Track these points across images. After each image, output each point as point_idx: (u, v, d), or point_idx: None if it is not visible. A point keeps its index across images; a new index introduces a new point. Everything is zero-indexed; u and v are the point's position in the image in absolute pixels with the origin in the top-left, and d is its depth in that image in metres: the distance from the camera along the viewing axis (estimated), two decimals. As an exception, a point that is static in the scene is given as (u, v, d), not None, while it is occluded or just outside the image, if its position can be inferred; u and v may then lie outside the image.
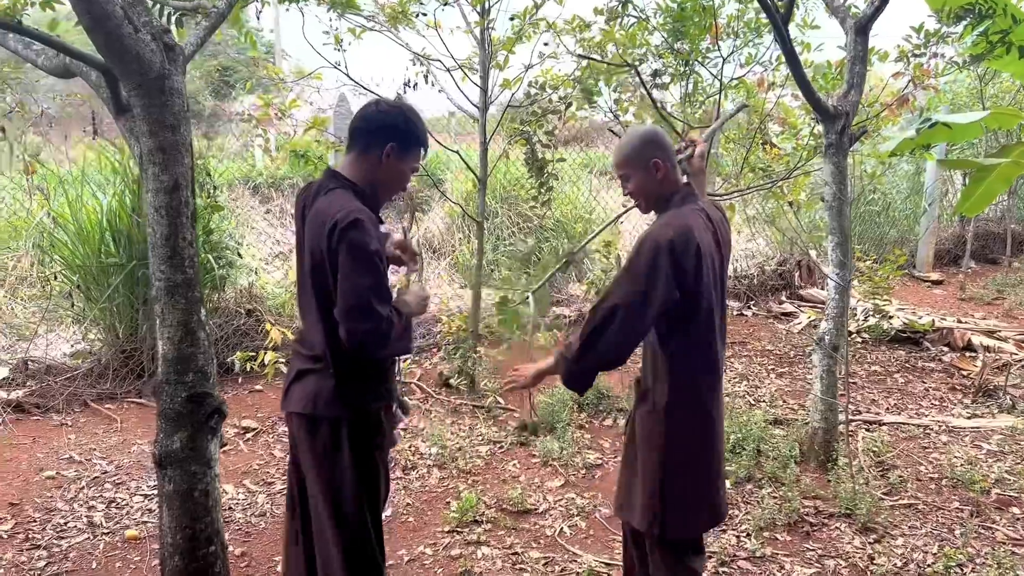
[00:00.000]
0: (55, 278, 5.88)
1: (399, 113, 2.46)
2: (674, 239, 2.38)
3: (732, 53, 5.79)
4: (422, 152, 2.54)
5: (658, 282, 2.37)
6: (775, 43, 5.44)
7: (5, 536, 3.68)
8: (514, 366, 2.84)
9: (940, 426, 5.09)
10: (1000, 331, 6.93)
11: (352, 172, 2.44)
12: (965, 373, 6.10)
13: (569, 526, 3.84)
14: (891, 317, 6.99)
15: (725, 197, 6.56)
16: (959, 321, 7.23)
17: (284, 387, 2.52)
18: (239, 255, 6.21)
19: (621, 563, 3.44)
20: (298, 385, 2.45)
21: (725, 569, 3.42)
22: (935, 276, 9.55)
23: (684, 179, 2.65)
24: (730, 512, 3.94)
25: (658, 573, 2.59)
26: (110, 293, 5.40)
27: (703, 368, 2.56)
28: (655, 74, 6.02)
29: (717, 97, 5.95)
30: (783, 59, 4.90)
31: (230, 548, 3.24)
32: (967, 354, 6.54)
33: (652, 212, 2.63)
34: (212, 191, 5.63)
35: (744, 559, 3.51)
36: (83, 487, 4.19)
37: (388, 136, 2.42)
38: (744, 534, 3.73)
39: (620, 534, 3.73)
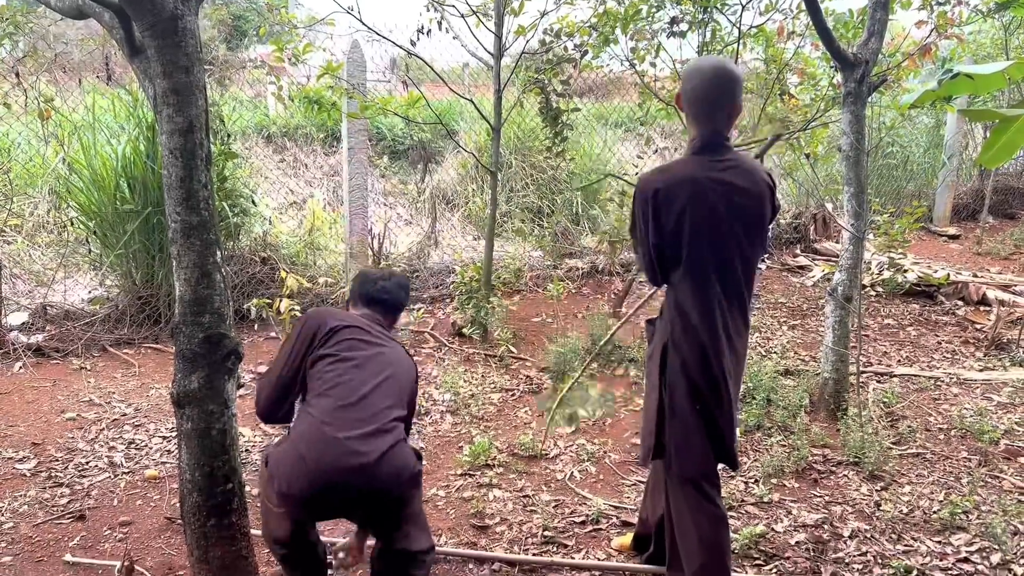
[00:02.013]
0: (71, 224, 5.92)
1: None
2: (659, 188, 2.47)
3: (751, 0, 5.69)
4: None
5: (646, 224, 2.52)
6: (795, -11, 5.35)
7: (28, 474, 3.78)
8: None
9: (951, 378, 5.10)
10: (1016, 285, 6.89)
11: None
12: (979, 327, 6.08)
13: (579, 471, 3.90)
14: (906, 271, 6.96)
15: (741, 149, 6.50)
16: (975, 275, 7.18)
17: (379, 461, 2.54)
18: (253, 203, 6.23)
19: (631, 506, 3.51)
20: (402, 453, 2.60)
21: (733, 514, 3.47)
22: (952, 230, 9.47)
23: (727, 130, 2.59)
24: (739, 459, 3.98)
25: (675, 503, 2.66)
26: (126, 240, 5.44)
27: (695, 320, 2.55)
28: (673, 21, 5.93)
29: (735, 46, 5.87)
30: (803, 6, 4.81)
31: (247, 488, 3.30)
32: (981, 308, 6.52)
33: None
34: (226, 138, 5.63)
35: (752, 504, 3.56)
36: (103, 428, 4.27)
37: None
38: (752, 480, 3.78)
39: (629, 479, 3.80)
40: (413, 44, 5.37)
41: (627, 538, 3.21)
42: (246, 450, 4.04)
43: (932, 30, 5.58)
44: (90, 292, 5.86)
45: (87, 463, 3.91)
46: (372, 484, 2.50)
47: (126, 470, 3.86)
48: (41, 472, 3.81)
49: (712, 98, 2.51)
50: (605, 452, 4.10)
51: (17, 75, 4.99)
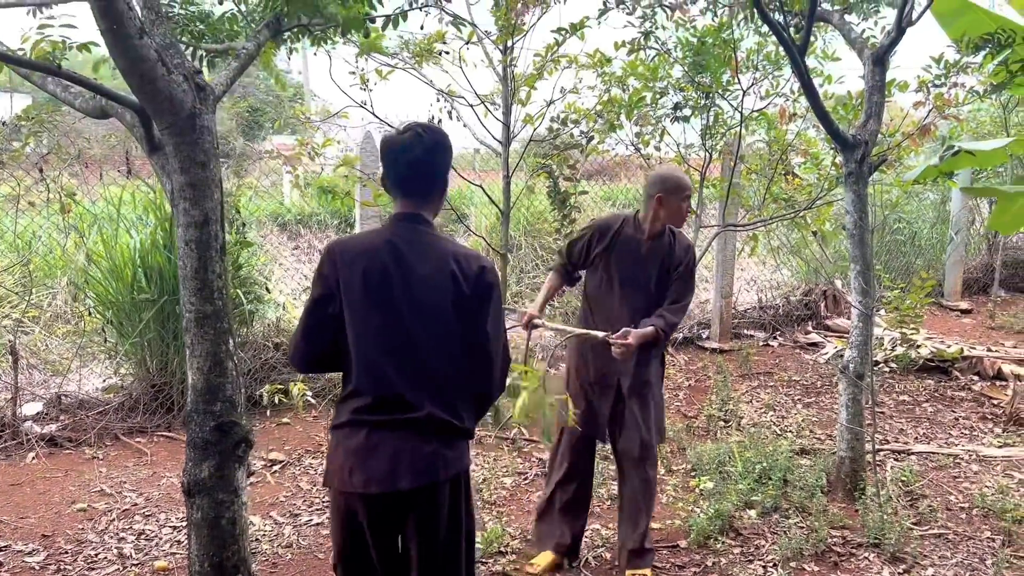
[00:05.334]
0: (89, 314, 6.00)
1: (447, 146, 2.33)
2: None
3: (752, 86, 5.85)
4: None
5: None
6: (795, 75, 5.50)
7: (37, 568, 3.74)
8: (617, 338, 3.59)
9: (970, 455, 5.03)
10: (1031, 360, 6.83)
11: (429, 213, 2.34)
12: (996, 402, 6.02)
13: (594, 556, 3.83)
14: (919, 346, 6.93)
15: (748, 227, 6.58)
16: (989, 350, 7.14)
17: (394, 456, 2.18)
18: (267, 290, 6.32)
19: None
20: (438, 447, 2.22)
21: (752, 600, 3.40)
22: (964, 305, 9.44)
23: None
24: (756, 542, 3.91)
25: None
26: (142, 328, 5.51)
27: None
28: (676, 107, 6.09)
29: (738, 129, 6.00)
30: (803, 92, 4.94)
31: (257, 578, 3.28)
32: (997, 383, 6.46)
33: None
34: (241, 227, 5.75)
35: (771, 590, 3.48)
36: (113, 519, 4.25)
37: (445, 172, 2.33)
38: (771, 564, 3.70)
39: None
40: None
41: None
42: (256, 539, 4.00)
43: (930, 110, 5.69)
44: (105, 381, 5.90)
45: (96, 555, 3.88)
46: None
47: (135, 562, 3.82)
48: (50, 565, 3.77)
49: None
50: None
51: (41, 171, 5.15)
